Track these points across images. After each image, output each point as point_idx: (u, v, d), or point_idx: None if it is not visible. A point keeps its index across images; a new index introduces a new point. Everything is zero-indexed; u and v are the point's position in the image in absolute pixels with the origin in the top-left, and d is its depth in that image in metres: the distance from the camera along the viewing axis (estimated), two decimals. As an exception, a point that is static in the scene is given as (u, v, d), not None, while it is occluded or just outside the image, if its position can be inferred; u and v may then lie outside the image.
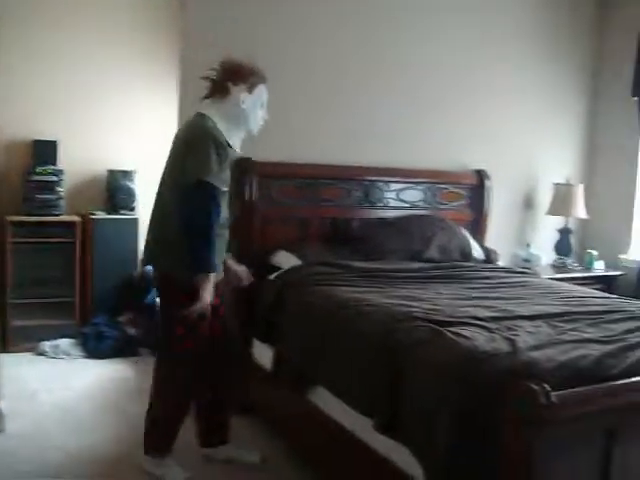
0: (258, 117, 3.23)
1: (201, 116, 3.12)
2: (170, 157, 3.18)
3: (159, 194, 3.23)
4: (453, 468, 2.26)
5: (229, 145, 3.11)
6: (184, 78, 4.01)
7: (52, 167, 5.31)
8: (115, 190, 5.57)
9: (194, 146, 3.02)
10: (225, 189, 3.14)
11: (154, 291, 5.25)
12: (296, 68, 4.20)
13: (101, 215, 5.52)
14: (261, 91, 3.22)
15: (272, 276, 3.94)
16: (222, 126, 3.10)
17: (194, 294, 3.01)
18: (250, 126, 3.22)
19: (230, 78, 3.15)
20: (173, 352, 3.22)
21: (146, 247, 3.29)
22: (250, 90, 3.17)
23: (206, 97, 3.20)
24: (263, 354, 3.82)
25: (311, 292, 3.49)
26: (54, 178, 5.28)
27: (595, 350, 2.56)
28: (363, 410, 2.79)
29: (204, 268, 3.01)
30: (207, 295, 3.03)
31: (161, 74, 5.68)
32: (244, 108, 3.15)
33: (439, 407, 2.35)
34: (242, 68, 3.18)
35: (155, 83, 5.79)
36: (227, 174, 3.16)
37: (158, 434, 3.32)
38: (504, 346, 2.54)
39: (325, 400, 3.15)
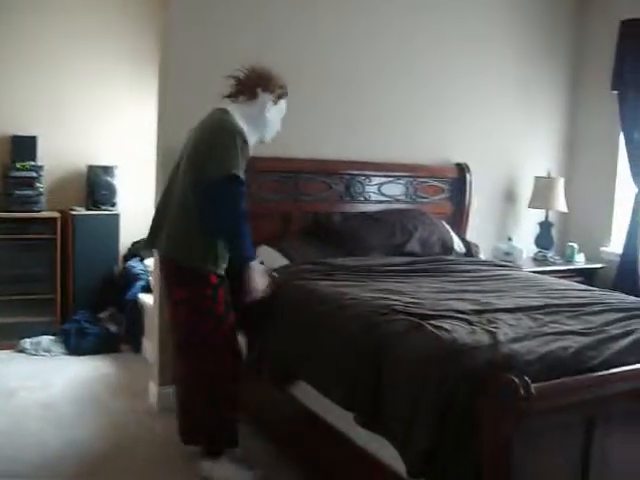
0: (275, 128, 3.37)
1: (225, 112, 3.17)
2: (191, 150, 3.17)
3: (170, 188, 3.25)
4: (434, 461, 2.26)
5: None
6: (164, 75, 3.98)
7: (32, 163, 5.26)
8: (95, 186, 5.54)
9: (222, 139, 3.08)
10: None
11: (135, 287, 5.25)
12: (276, 64, 4.17)
13: (81, 211, 5.48)
14: (283, 105, 3.38)
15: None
16: (243, 127, 3.15)
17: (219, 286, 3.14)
18: (266, 134, 3.34)
19: (261, 84, 3.26)
20: (206, 346, 3.19)
21: (158, 241, 3.25)
22: (276, 101, 3.31)
23: (229, 96, 3.28)
24: (243, 346, 3.82)
25: (293, 286, 3.48)
26: (34, 174, 5.23)
27: (575, 342, 2.57)
28: (345, 405, 2.79)
29: (247, 258, 3.13)
30: (258, 282, 3.17)
31: (142, 71, 5.67)
32: (267, 116, 3.28)
33: (419, 400, 2.36)
34: (273, 78, 3.30)
35: (136, 79, 5.77)
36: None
37: (212, 437, 3.26)
38: (485, 339, 2.54)
39: (306, 394, 3.15)
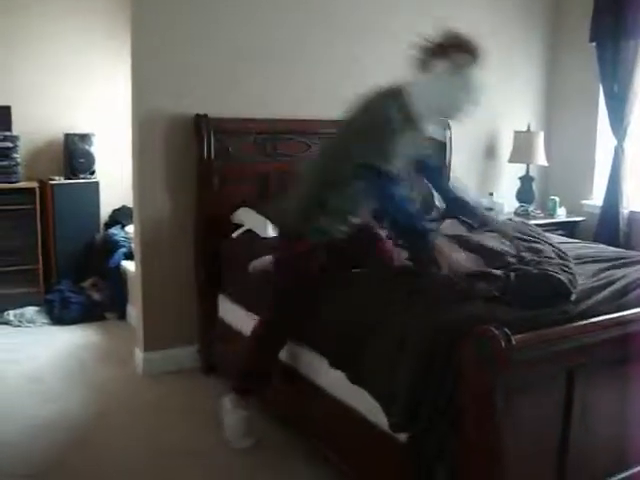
0: (459, 102, 2.79)
1: (393, 96, 2.80)
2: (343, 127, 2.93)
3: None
4: (416, 415, 2.27)
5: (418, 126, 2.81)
6: (137, 41, 3.91)
7: (6, 133, 5.19)
8: (73, 154, 5.49)
9: (370, 131, 2.78)
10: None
11: (118, 254, 5.24)
12: (248, 21, 4.13)
13: (60, 180, 5.44)
14: (468, 74, 2.74)
15: (235, 234, 3.93)
16: (418, 103, 2.77)
17: None
18: (446, 111, 2.85)
19: (437, 52, 2.75)
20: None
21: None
22: (454, 70, 2.73)
23: (415, 66, 2.84)
24: (229, 312, 3.83)
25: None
26: (9, 144, 5.17)
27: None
28: (332, 361, 2.81)
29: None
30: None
31: (117, 36, 5.54)
32: (442, 89, 2.77)
33: (401, 354, 2.37)
34: (454, 44, 2.75)
35: (111, 45, 5.66)
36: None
37: (250, 378, 3.21)
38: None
39: (296, 358, 3.16)
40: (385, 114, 2.74)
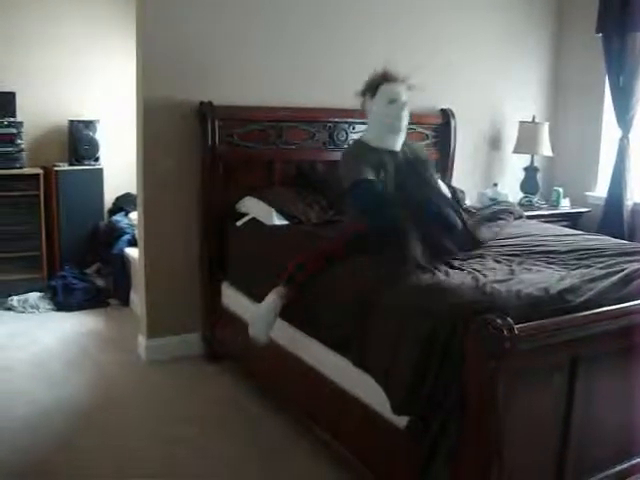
0: (386, 113, 3.38)
1: (357, 140, 3.65)
2: None
3: None
4: (416, 397, 2.27)
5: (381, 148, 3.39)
6: (141, 26, 3.90)
7: (11, 119, 5.19)
8: (77, 141, 5.49)
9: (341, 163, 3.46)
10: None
11: (121, 241, 5.25)
12: (254, 9, 4.12)
13: (64, 167, 5.44)
14: (383, 91, 3.39)
15: (240, 222, 3.93)
16: (371, 138, 3.44)
17: None
18: (391, 125, 3.40)
19: (362, 92, 3.47)
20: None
21: None
22: (372, 95, 3.42)
23: None
24: (232, 299, 3.83)
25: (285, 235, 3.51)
26: (13, 130, 5.17)
27: (559, 283, 2.57)
28: (333, 345, 2.83)
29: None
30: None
31: (123, 22, 5.54)
32: (374, 112, 3.42)
33: (401, 336, 2.38)
34: (368, 79, 3.47)
35: (115, 31, 5.68)
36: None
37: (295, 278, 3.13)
38: (468, 280, 2.56)
39: (297, 343, 3.17)
40: (350, 154, 3.46)
